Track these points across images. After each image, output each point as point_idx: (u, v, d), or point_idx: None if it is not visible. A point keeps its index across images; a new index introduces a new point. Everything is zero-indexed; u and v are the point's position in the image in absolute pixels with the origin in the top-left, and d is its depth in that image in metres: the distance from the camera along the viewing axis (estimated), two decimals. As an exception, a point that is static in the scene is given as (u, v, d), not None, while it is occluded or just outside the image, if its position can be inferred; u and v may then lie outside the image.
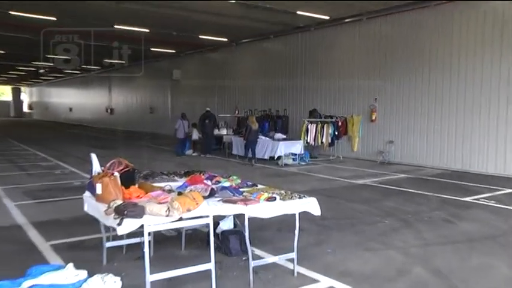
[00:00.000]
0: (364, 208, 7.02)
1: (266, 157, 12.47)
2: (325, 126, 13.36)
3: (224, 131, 15.46)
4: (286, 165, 12.13)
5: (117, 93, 31.79)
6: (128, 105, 30.54)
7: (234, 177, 4.86)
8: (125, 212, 3.35)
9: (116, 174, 3.93)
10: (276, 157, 12.25)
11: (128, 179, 4.07)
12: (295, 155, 12.53)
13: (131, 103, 30.15)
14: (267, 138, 12.95)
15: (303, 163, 12.57)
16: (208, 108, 15.09)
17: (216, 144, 15.50)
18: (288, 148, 12.40)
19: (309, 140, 13.25)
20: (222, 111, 19.50)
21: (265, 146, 12.56)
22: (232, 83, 19.95)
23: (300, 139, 13.15)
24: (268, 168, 11.77)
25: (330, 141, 13.49)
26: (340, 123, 13.82)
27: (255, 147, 12.58)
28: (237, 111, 18.23)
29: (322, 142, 13.37)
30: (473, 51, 10.96)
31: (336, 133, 13.46)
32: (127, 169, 4.15)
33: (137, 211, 3.38)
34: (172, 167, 10.56)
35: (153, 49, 21.04)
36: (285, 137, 13.49)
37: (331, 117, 14.10)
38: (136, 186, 4.19)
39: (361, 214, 6.63)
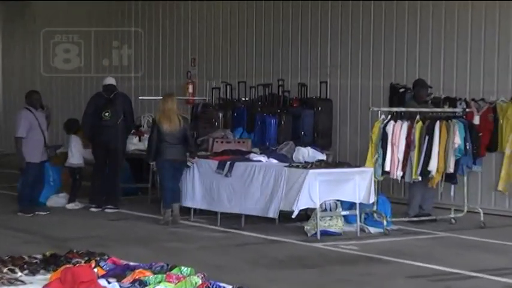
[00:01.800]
0: None
1: (273, 215, 12.92)
2: (440, 128, 13.76)
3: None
4: (326, 233, 12.57)
5: None
6: None
7: (184, 269, 5.34)
8: None
9: None
10: (297, 212, 12.57)
11: None
12: (352, 206, 13.02)
13: None
14: (275, 161, 13.55)
15: (375, 229, 13.14)
16: (110, 81, 15.53)
17: (135, 180, 16.19)
18: (332, 190, 12.87)
19: (388, 168, 13.69)
20: (152, 89, 20.19)
21: (269, 184, 13.00)
22: (177, 12, 20.72)
23: (365, 165, 13.64)
24: (278, 244, 12.13)
25: (451, 169, 13.87)
26: (477, 120, 14.38)
27: (179, 177, 13.45)
28: (189, 88, 18.98)
29: (429, 171, 13.79)
30: None
31: (468, 146, 13.82)
32: None
33: None
34: (10, 244, 10.80)
35: None
36: (323, 157, 13.99)
37: (454, 103, 14.80)
38: None
39: None
